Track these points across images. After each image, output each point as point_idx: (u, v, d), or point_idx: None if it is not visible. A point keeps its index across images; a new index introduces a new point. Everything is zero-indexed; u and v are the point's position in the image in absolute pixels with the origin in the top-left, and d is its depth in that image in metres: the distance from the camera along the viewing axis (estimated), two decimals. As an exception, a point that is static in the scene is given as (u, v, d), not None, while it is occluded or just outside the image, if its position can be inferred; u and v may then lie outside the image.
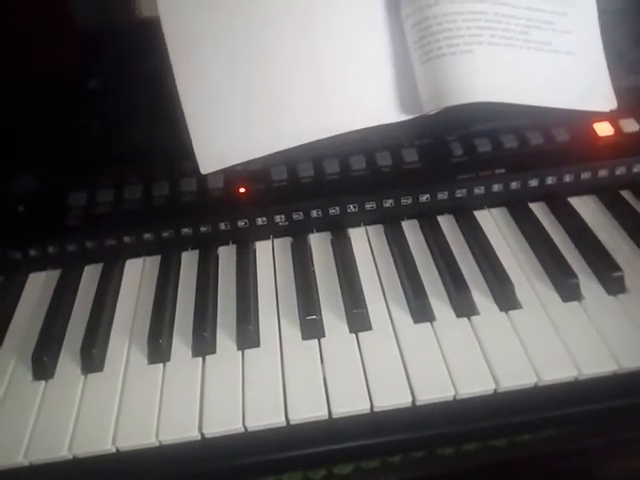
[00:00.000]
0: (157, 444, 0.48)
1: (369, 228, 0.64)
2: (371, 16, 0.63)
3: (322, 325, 0.55)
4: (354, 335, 0.54)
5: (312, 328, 0.54)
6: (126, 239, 0.63)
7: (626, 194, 0.65)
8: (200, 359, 0.54)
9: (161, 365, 0.54)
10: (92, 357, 0.54)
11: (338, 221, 0.64)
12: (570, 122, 0.64)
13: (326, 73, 0.62)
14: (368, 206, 0.63)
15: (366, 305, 0.55)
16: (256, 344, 0.54)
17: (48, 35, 0.68)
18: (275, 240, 0.64)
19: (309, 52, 0.62)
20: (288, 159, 0.63)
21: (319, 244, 0.63)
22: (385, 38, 0.63)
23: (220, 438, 0.49)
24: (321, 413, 0.48)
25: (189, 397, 0.50)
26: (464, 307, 0.55)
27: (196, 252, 0.64)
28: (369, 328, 0.54)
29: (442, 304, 0.56)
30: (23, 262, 0.63)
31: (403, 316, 0.55)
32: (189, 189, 0.63)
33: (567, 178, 0.64)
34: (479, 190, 0.63)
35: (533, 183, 0.64)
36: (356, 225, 0.64)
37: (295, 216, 0.63)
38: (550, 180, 0.64)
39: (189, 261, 0.63)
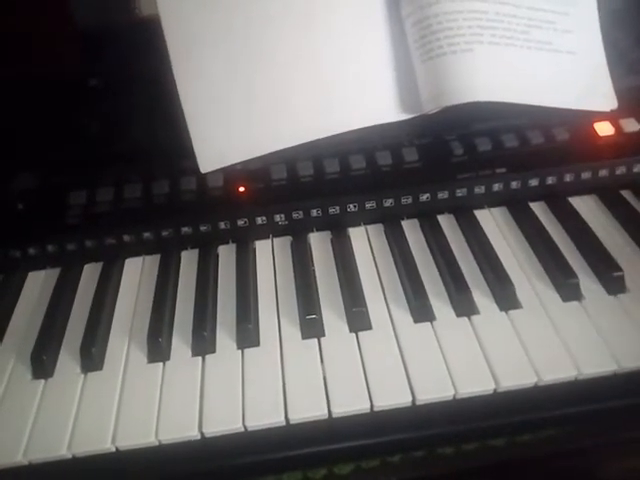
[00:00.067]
0: (157, 443, 0.48)
1: (369, 227, 0.64)
2: (371, 16, 0.63)
3: (322, 324, 0.55)
4: (354, 334, 0.54)
5: (312, 327, 0.54)
6: (126, 238, 0.63)
7: (626, 194, 0.65)
8: (200, 358, 0.53)
9: (161, 364, 0.53)
10: (92, 356, 0.54)
11: (338, 220, 0.64)
12: (571, 122, 0.64)
13: (326, 73, 0.62)
14: (368, 205, 0.63)
15: (366, 304, 0.55)
16: (256, 343, 0.54)
17: (48, 35, 0.68)
18: (275, 239, 0.64)
19: (309, 52, 0.62)
20: (288, 158, 0.63)
21: (319, 243, 0.63)
22: (385, 37, 0.63)
23: (220, 437, 0.48)
24: (321, 412, 0.48)
25: (189, 396, 0.50)
26: (464, 307, 0.55)
27: (196, 251, 0.64)
28: (369, 327, 0.54)
29: (442, 304, 0.56)
30: (22, 261, 0.63)
31: (403, 315, 0.55)
32: (189, 188, 0.63)
33: (567, 178, 0.64)
34: (479, 189, 0.63)
35: (533, 183, 0.64)
36: (356, 224, 0.64)
37: (295, 215, 0.63)
38: (550, 180, 0.64)
39: (189, 260, 0.63)
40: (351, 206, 0.63)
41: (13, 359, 0.56)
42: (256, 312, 0.57)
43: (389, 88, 0.63)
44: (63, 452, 0.48)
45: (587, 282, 0.56)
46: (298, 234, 0.64)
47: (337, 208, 0.63)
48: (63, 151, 0.66)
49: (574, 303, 0.55)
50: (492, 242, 0.60)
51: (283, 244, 0.64)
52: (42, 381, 0.53)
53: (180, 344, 0.55)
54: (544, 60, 0.62)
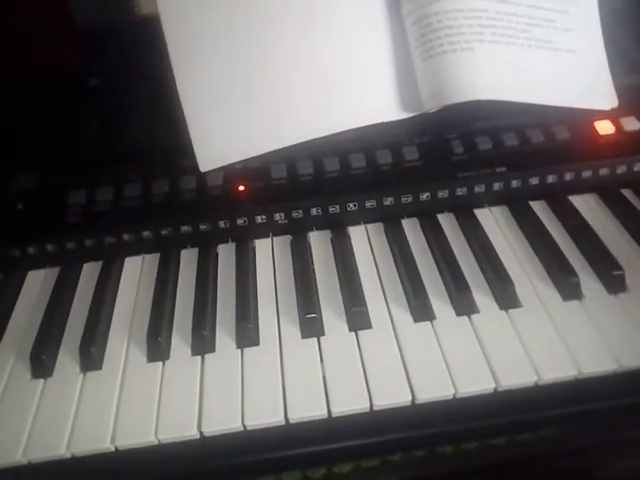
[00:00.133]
0: (156, 443, 0.48)
1: (369, 226, 0.64)
2: (371, 15, 0.63)
3: (322, 324, 0.55)
4: (354, 334, 0.54)
5: (312, 326, 0.54)
6: (125, 237, 0.62)
7: (627, 193, 0.65)
8: (199, 357, 0.53)
9: (160, 363, 0.53)
10: (91, 355, 0.54)
11: (338, 219, 0.63)
12: (571, 120, 0.64)
13: (326, 72, 0.62)
14: (368, 204, 0.63)
15: (366, 303, 0.55)
16: (255, 343, 0.54)
17: (48, 35, 0.68)
18: (275, 238, 0.64)
19: (309, 52, 0.62)
20: (288, 157, 0.63)
21: (319, 242, 0.63)
22: (385, 36, 0.63)
23: (219, 437, 0.48)
24: (320, 412, 0.48)
25: (188, 396, 0.50)
26: (464, 306, 0.55)
27: (195, 250, 0.64)
28: (369, 327, 0.54)
29: (442, 303, 0.55)
30: (22, 260, 0.63)
31: (403, 315, 0.55)
32: (188, 187, 0.63)
33: (568, 176, 0.64)
34: (480, 188, 0.63)
35: (534, 181, 0.63)
36: (356, 223, 0.64)
37: (295, 214, 0.63)
38: (551, 178, 0.63)
39: (188, 259, 0.63)
40: (351, 205, 0.63)
41: (12, 358, 0.56)
42: (256, 311, 0.57)
43: (389, 87, 0.63)
44: (62, 451, 0.48)
45: (587, 281, 0.56)
46: (298, 233, 0.63)
47: (337, 207, 0.63)
48: (63, 151, 0.66)
49: (574, 302, 0.54)
50: (492, 241, 0.60)
51: (283, 243, 0.64)
52: (41, 380, 0.53)
53: (180, 343, 0.55)
54: (544, 59, 0.62)
